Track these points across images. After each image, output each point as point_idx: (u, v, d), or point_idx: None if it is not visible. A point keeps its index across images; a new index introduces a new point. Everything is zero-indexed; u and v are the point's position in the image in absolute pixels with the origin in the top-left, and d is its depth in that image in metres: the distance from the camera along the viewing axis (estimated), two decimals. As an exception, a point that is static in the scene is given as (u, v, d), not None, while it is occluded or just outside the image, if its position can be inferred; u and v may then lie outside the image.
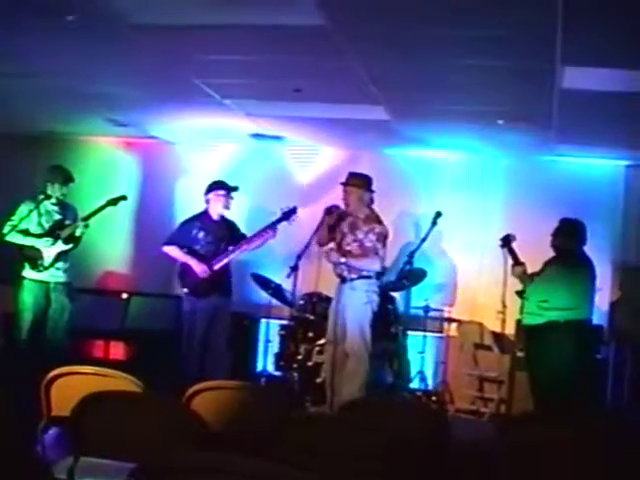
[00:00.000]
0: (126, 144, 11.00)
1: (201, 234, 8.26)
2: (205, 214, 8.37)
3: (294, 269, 7.56)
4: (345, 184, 7.81)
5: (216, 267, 8.15)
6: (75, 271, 8.72)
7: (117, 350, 9.91)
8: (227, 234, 8.35)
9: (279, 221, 8.15)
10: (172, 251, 8.37)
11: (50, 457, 4.28)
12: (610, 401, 8.66)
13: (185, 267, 8.27)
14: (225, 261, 8.20)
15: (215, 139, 10.40)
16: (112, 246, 10.83)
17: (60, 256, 8.26)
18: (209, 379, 5.07)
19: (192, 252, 8.23)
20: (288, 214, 8.11)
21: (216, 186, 8.37)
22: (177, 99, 8.36)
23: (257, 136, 9.80)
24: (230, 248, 8.22)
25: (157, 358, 8.97)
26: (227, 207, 8.38)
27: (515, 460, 3.67)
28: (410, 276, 8.90)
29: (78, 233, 8.29)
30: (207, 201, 8.35)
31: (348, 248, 7.68)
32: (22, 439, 4.62)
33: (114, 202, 8.38)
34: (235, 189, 8.42)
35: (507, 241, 7.99)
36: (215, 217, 8.34)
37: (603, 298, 8.91)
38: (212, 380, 4.94)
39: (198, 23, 5.88)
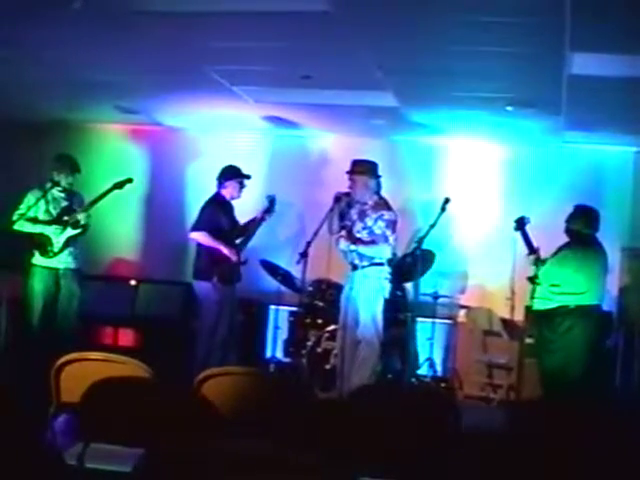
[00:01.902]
0: (135, 131, 10.99)
1: (224, 218, 8.19)
2: (221, 197, 8.29)
3: (304, 255, 7.53)
4: (350, 172, 7.78)
5: (241, 250, 8.18)
6: (85, 258, 8.74)
7: (126, 337, 9.94)
8: (236, 220, 8.36)
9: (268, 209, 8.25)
10: (201, 237, 8.17)
11: (60, 443, 4.30)
12: (619, 388, 8.65)
13: (214, 254, 8.09)
14: (247, 243, 8.24)
15: (224, 126, 10.39)
16: (121, 233, 10.84)
17: (69, 242, 8.28)
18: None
19: (220, 237, 8.11)
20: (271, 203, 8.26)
21: (233, 173, 8.30)
22: (186, 86, 8.35)
23: (269, 120, 9.78)
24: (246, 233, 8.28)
25: (166, 345, 9.00)
26: (240, 195, 8.35)
27: (523, 447, 3.68)
28: (419, 262, 8.87)
29: (85, 218, 8.30)
30: (222, 186, 8.28)
31: (358, 236, 7.66)
32: (32, 425, 4.64)
33: (120, 185, 8.35)
34: (249, 177, 8.38)
35: (521, 224, 7.87)
36: (230, 202, 8.33)
37: (613, 284, 8.89)
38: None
39: (206, 10, 5.87)
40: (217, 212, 8.20)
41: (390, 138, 10.07)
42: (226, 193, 8.28)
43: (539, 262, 7.70)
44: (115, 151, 10.98)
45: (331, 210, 7.71)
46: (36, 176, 8.69)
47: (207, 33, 6.46)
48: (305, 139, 10.50)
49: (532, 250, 7.75)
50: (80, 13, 5.88)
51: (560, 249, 7.75)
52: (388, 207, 7.70)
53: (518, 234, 7.87)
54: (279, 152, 10.48)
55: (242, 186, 8.32)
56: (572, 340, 7.51)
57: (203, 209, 8.29)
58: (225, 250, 8.04)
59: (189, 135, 10.80)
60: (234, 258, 8.07)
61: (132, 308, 10.11)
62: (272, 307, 9.95)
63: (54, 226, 8.24)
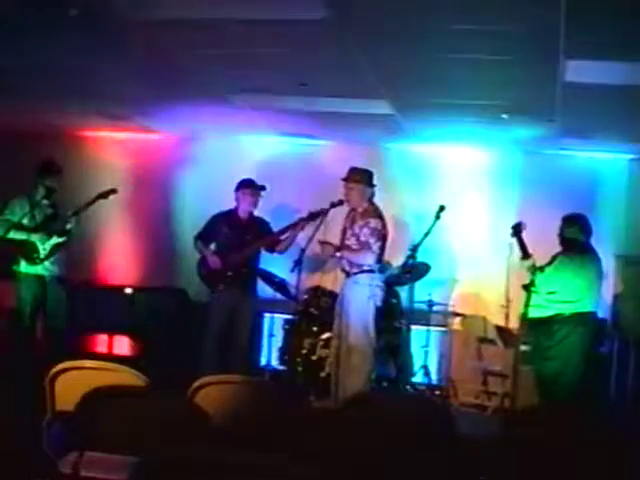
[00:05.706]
0: (128, 138, 10.99)
1: (226, 229, 8.40)
2: (233, 211, 8.52)
3: (298, 263, 7.55)
4: (346, 179, 7.79)
5: (234, 260, 8.22)
6: (79, 266, 8.73)
7: (121, 345, 9.93)
8: (256, 232, 8.43)
9: (315, 216, 7.95)
10: (197, 245, 8.55)
11: (55, 452, 4.29)
12: (613, 395, 8.66)
13: (203, 261, 8.43)
14: (245, 254, 8.27)
15: (218, 132, 10.39)
16: (116, 241, 10.83)
17: (55, 249, 8.28)
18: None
19: (217, 246, 8.40)
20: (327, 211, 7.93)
21: (243, 184, 8.48)
22: (180, 93, 8.35)
23: (265, 127, 9.79)
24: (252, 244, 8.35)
25: (162, 352, 8.98)
26: (254, 205, 8.49)
27: (518, 455, 3.68)
28: (413, 270, 8.86)
29: (69, 226, 8.30)
30: (236, 198, 8.47)
31: (347, 242, 7.69)
32: (26, 434, 4.63)
33: (104, 195, 8.39)
34: (263, 188, 8.50)
35: (517, 230, 7.85)
36: (242, 214, 8.48)
37: (607, 292, 8.90)
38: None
39: (201, 17, 5.87)
40: (217, 223, 8.49)
41: (386, 146, 10.09)
42: (239, 205, 8.49)
43: (536, 269, 7.67)
44: (108, 158, 10.97)
45: (325, 216, 7.73)
46: (20, 183, 8.65)
47: (203, 41, 6.45)
48: (300, 146, 10.50)
49: (526, 255, 7.73)
50: (72, 20, 5.87)
51: (556, 256, 7.74)
52: (376, 215, 7.68)
53: (514, 241, 7.84)
54: (273, 159, 10.46)
55: (254, 197, 8.46)
56: (569, 347, 7.52)
57: (208, 220, 8.66)
58: (207, 254, 8.38)
59: (182, 142, 10.80)
60: (210, 260, 8.30)
61: (127, 316, 10.11)
62: (267, 315, 9.98)
63: (40, 233, 8.24)
